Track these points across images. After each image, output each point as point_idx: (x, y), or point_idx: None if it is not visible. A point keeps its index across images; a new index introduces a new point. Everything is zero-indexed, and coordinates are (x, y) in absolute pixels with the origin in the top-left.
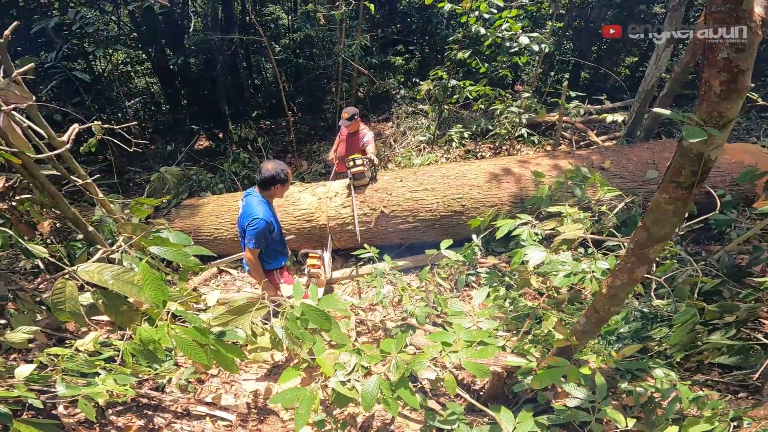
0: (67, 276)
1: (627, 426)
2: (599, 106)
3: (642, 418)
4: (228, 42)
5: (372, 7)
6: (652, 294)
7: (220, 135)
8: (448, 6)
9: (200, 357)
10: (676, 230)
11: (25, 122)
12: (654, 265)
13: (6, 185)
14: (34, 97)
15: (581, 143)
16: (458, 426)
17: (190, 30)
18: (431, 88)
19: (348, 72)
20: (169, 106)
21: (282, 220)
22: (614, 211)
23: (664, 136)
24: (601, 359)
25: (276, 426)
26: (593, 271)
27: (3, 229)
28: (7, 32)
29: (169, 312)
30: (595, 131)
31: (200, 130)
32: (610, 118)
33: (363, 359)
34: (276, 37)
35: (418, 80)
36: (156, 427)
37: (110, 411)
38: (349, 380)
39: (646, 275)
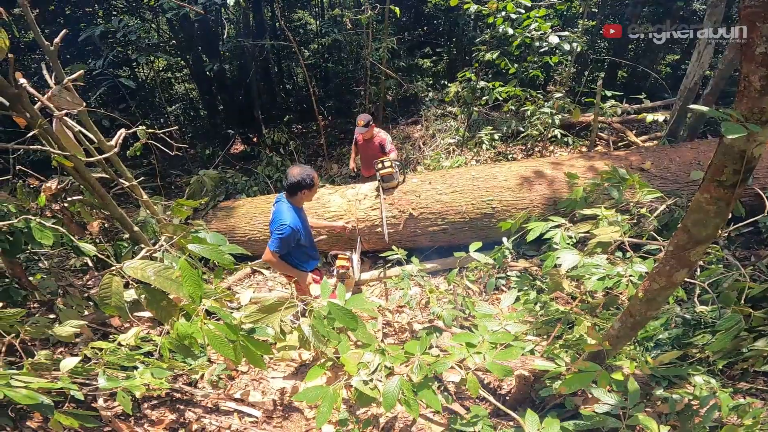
0: (113, 272)
1: None
2: (638, 106)
3: (677, 427)
4: (260, 48)
5: (398, 10)
6: (696, 300)
7: (254, 139)
8: (474, 7)
9: (228, 352)
10: (720, 233)
11: (76, 127)
12: (698, 269)
13: (59, 187)
14: (84, 103)
15: (619, 144)
16: (482, 428)
17: (224, 37)
18: (460, 90)
19: (376, 75)
20: (207, 111)
21: (312, 224)
22: (654, 214)
23: (710, 135)
24: (635, 365)
25: (300, 424)
26: (630, 275)
27: (55, 227)
28: (57, 40)
29: (203, 308)
30: (634, 131)
31: (236, 134)
32: (650, 117)
33: (386, 359)
34: (305, 42)
35: (446, 82)
36: (186, 421)
37: (146, 405)
38: (371, 380)
39: (688, 279)
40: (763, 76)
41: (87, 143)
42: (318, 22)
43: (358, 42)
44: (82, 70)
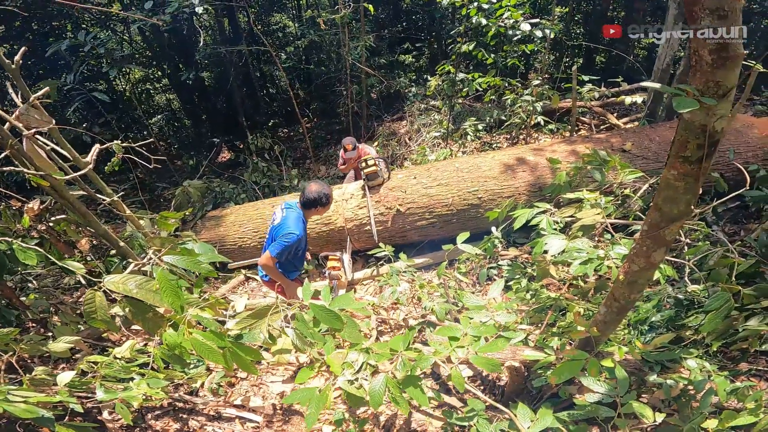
0: (96, 288)
1: (655, 420)
2: (616, 89)
3: (677, 412)
4: (238, 54)
5: (371, 7)
6: (687, 279)
7: (240, 146)
8: (446, 0)
9: (217, 359)
10: (696, 209)
11: (49, 145)
12: (686, 247)
13: (41, 207)
14: (53, 121)
15: (601, 127)
16: (478, 422)
17: (200, 44)
18: (440, 83)
19: (357, 74)
20: (191, 120)
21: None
22: (638, 194)
23: None
24: (625, 351)
25: (300, 426)
26: (614, 258)
27: (36, 248)
28: (17, 57)
29: (187, 317)
30: (615, 114)
31: (221, 142)
32: (628, 99)
33: (370, 357)
34: (284, 45)
35: (428, 77)
36: (191, 429)
37: (149, 415)
38: (356, 379)
39: (675, 258)
40: (713, 50)
41: (61, 162)
42: (296, 25)
43: (336, 42)
44: (48, 87)
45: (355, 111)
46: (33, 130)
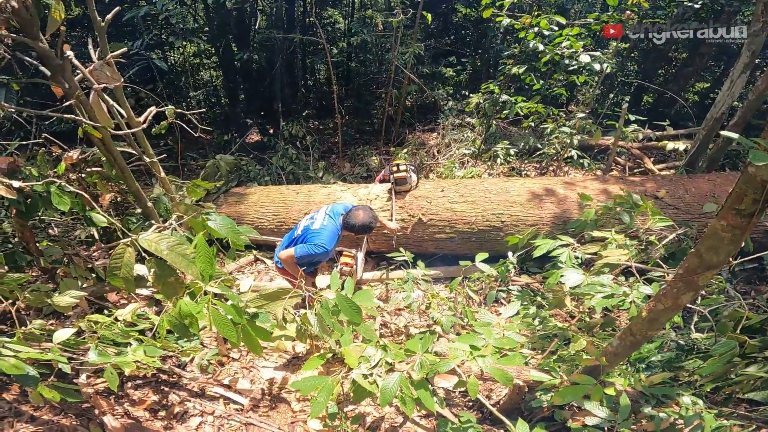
0: (128, 243)
1: None
2: (660, 132)
3: None
4: (288, 41)
5: (429, 17)
6: (692, 327)
7: (271, 130)
8: (506, 21)
9: (231, 334)
10: (732, 262)
11: (110, 101)
12: (699, 297)
13: (80, 157)
14: (122, 79)
15: (635, 170)
16: None
17: (256, 27)
18: (481, 101)
19: (399, 79)
20: (228, 99)
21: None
22: (663, 242)
23: (728, 168)
24: (628, 382)
25: (286, 415)
26: (635, 297)
27: (77, 191)
28: (109, 17)
29: (212, 288)
30: (652, 159)
31: (253, 124)
32: (670, 145)
33: (388, 355)
34: (332, 40)
35: (467, 93)
36: (169, 403)
37: (129, 384)
38: (371, 374)
39: (689, 305)
40: None
41: (118, 117)
42: (347, 22)
43: (384, 45)
44: (125, 48)
45: (390, 115)
46: (102, 85)
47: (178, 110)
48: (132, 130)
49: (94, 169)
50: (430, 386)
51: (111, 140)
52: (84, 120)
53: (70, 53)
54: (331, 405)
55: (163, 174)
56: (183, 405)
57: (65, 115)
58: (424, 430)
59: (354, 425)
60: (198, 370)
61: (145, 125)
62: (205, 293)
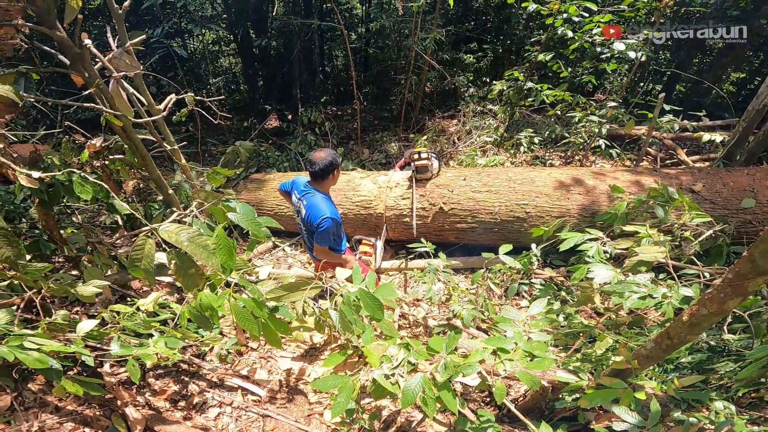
0: (148, 234)
1: None
2: (696, 123)
3: None
4: (306, 28)
5: (451, 1)
6: (725, 328)
7: (290, 117)
8: (533, 6)
9: (252, 328)
10: None
11: (130, 89)
12: None
13: (103, 145)
14: (141, 67)
15: (667, 162)
16: None
17: (273, 13)
18: (504, 88)
19: (418, 65)
20: (248, 85)
21: (340, 204)
22: (699, 239)
23: (766, 162)
24: (661, 385)
25: (303, 407)
26: (673, 298)
27: (96, 182)
28: (126, 4)
29: (233, 280)
30: (685, 150)
31: (272, 110)
32: (707, 137)
33: (411, 354)
34: (350, 26)
35: (487, 80)
36: (189, 393)
37: (150, 374)
38: (393, 374)
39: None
40: None
41: (138, 105)
42: (364, 8)
43: (403, 30)
44: (143, 36)
45: (409, 101)
46: (122, 73)
47: (198, 97)
48: (152, 118)
49: (116, 156)
50: (452, 387)
51: (132, 128)
52: (104, 109)
53: (88, 41)
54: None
55: (183, 161)
56: (202, 395)
57: (86, 104)
58: (441, 426)
59: (374, 419)
60: (217, 360)
61: (165, 113)
62: (227, 285)
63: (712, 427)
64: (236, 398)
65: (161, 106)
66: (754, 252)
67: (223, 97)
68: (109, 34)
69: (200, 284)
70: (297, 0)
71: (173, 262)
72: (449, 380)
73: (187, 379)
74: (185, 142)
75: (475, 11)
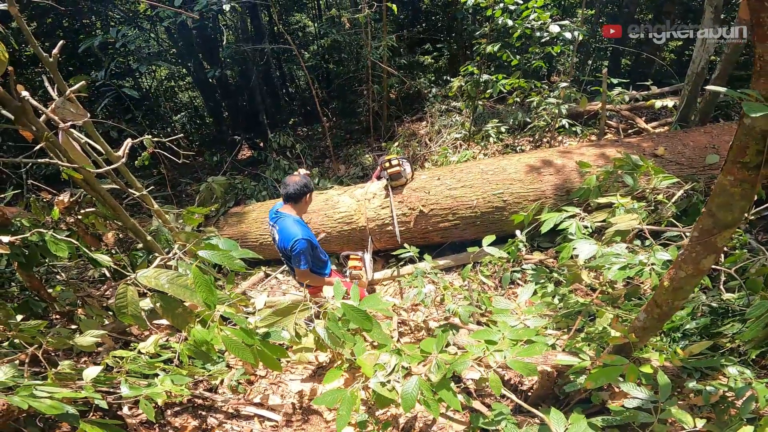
0: (128, 282)
1: (695, 426)
2: (645, 92)
3: (712, 419)
4: (260, 52)
5: (395, 7)
6: (722, 287)
7: (261, 144)
8: (471, 0)
9: (247, 356)
10: (745, 216)
11: (83, 139)
12: (723, 255)
13: (71, 200)
14: (88, 114)
15: (629, 131)
16: (506, 426)
17: (224, 43)
18: (463, 84)
19: (378, 74)
20: (213, 118)
21: (322, 224)
22: (673, 200)
23: (721, 119)
24: (665, 357)
25: (320, 426)
26: (653, 264)
27: (68, 240)
28: (55, 51)
29: (218, 314)
30: (644, 118)
31: (242, 140)
32: (659, 103)
33: (403, 359)
34: (305, 44)
35: (448, 78)
36: (209, 427)
37: (169, 412)
38: (389, 381)
39: (713, 267)
40: None
41: (95, 155)
42: (316, 24)
43: (357, 41)
44: (83, 81)
45: (375, 111)
46: (69, 123)
47: (156, 139)
48: (112, 166)
49: (89, 210)
50: (452, 384)
51: (95, 179)
52: (59, 162)
53: (25, 93)
54: (360, 413)
55: (156, 206)
56: (222, 427)
57: (40, 160)
58: (460, 424)
59: (388, 428)
60: (229, 391)
61: (124, 159)
62: (224, 319)
63: (732, 394)
64: (254, 426)
65: (120, 153)
66: (711, 206)
67: (182, 135)
68: (47, 83)
69: (191, 321)
70: (246, 26)
71: (158, 304)
72: (446, 379)
73: (204, 413)
74: (153, 187)
75: (424, 13)
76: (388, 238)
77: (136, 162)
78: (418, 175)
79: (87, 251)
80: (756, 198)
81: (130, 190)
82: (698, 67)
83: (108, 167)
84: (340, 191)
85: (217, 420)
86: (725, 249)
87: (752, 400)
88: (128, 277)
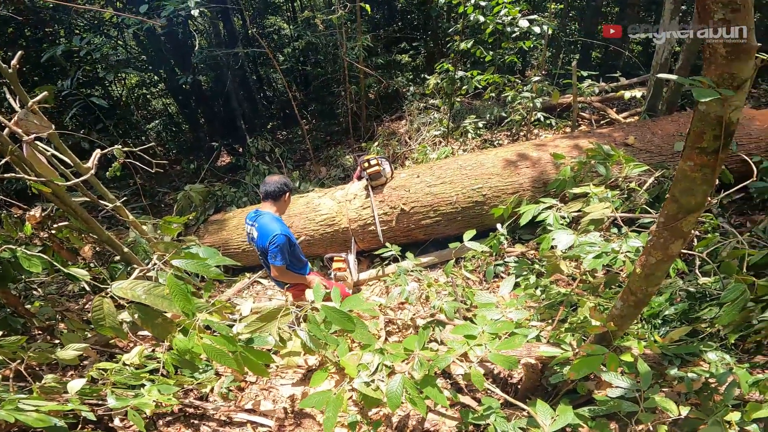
0: (103, 294)
1: (680, 414)
2: (615, 84)
3: (698, 405)
4: (234, 57)
5: (368, 7)
6: (697, 271)
7: (240, 149)
8: None
9: (230, 363)
10: (711, 200)
11: (49, 151)
12: (695, 239)
13: (43, 215)
14: (53, 126)
15: (602, 122)
16: (495, 420)
17: (196, 48)
18: (439, 81)
19: (355, 75)
20: (189, 125)
21: (304, 227)
22: (644, 187)
23: (688, 108)
24: (644, 345)
25: (312, 429)
26: (626, 251)
27: (40, 255)
28: (14, 61)
29: (198, 322)
30: (614, 109)
31: (220, 146)
32: (627, 94)
33: (386, 358)
34: (280, 47)
35: (426, 76)
36: None
37: (161, 422)
38: (373, 381)
39: (686, 251)
40: (727, 42)
41: (62, 167)
42: (291, 27)
43: (333, 43)
44: (46, 92)
45: (354, 111)
46: (32, 136)
47: (126, 148)
48: (81, 179)
49: (61, 224)
50: (440, 381)
51: (64, 193)
52: (26, 177)
53: None
54: (352, 413)
55: (131, 217)
56: None
57: (5, 175)
58: (453, 420)
59: (378, 428)
60: (220, 399)
61: (93, 170)
62: (208, 327)
63: (714, 380)
64: None
65: (89, 164)
66: (674, 192)
67: (153, 144)
68: (8, 95)
69: (172, 331)
70: (218, 31)
71: (136, 315)
72: (430, 376)
73: (197, 422)
74: (125, 198)
75: (400, 12)
76: (371, 238)
77: (108, 173)
78: (398, 173)
79: (60, 266)
80: (728, 182)
81: (102, 202)
82: (662, 57)
83: (77, 180)
84: (321, 194)
85: (210, 428)
86: (697, 233)
87: (734, 386)
88: (103, 290)
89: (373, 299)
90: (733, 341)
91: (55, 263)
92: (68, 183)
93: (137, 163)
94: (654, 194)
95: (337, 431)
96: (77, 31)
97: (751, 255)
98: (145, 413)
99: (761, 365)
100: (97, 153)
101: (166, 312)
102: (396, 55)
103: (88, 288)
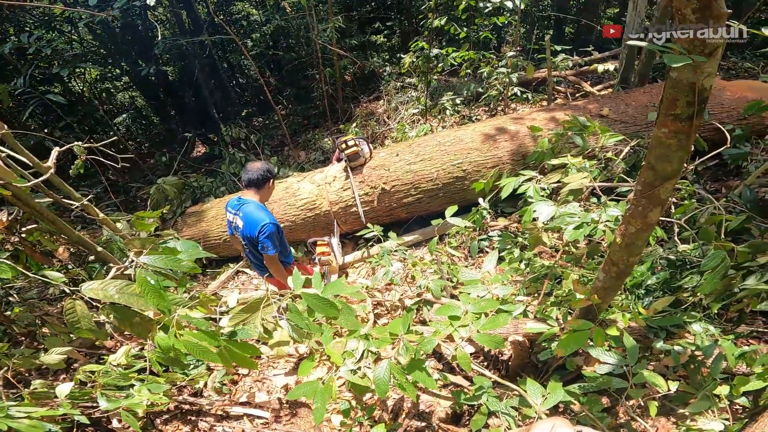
0: (74, 297)
1: (669, 389)
2: (588, 57)
3: (686, 378)
4: (201, 45)
5: None
6: (676, 239)
7: (215, 139)
8: None
9: (212, 358)
10: (686, 167)
11: (4, 152)
12: (672, 206)
13: (10, 219)
14: (5, 126)
15: (577, 95)
16: (487, 400)
17: (158, 38)
18: (414, 60)
19: (329, 57)
20: (159, 117)
21: (285, 213)
22: (621, 156)
23: (659, 80)
24: (629, 317)
25: (308, 418)
26: (606, 221)
27: (6, 261)
28: None
29: (175, 319)
30: (589, 82)
31: (194, 136)
32: (601, 67)
33: (371, 344)
34: (249, 33)
35: (402, 55)
36: (201, 431)
37: (158, 420)
38: (359, 368)
39: (664, 218)
40: (696, 9)
41: (20, 169)
42: (260, 12)
43: (304, 26)
44: None
45: (330, 94)
46: None
47: (87, 145)
48: (41, 179)
49: (31, 227)
50: (429, 363)
51: (26, 194)
52: None
53: None
54: (343, 401)
55: (101, 215)
56: (213, 431)
57: None
58: (447, 400)
59: (376, 411)
60: (214, 393)
61: (53, 170)
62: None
63: (701, 353)
64: (245, 426)
65: (49, 163)
66: (650, 159)
67: (116, 138)
68: None
69: (153, 329)
70: (181, 20)
71: (111, 316)
72: (417, 360)
73: (193, 418)
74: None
75: None
76: (353, 219)
77: (70, 171)
78: (377, 153)
79: (37, 270)
80: (702, 150)
81: (68, 201)
82: (632, 30)
83: (37, 180)
84: (300, 178)
85: (207, 423)
86: (674, 200)
87: (721, 359)
88: (73, 292)
89: (360, 282)
90: (716, 311)
91: (20, 269)
92: (28, 184)
93: (103, 159)
94: (630, 163)
95: (334, 419)
96: (27, 28)
97: (729, 220)
98: (138, 413)
99: (746, 335)
100: (55, 151)
101: (144, 310)
102: (370, 36)
103: (67, 290)
